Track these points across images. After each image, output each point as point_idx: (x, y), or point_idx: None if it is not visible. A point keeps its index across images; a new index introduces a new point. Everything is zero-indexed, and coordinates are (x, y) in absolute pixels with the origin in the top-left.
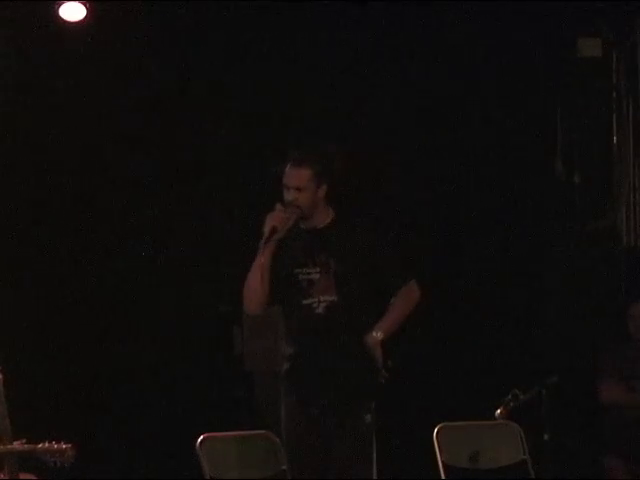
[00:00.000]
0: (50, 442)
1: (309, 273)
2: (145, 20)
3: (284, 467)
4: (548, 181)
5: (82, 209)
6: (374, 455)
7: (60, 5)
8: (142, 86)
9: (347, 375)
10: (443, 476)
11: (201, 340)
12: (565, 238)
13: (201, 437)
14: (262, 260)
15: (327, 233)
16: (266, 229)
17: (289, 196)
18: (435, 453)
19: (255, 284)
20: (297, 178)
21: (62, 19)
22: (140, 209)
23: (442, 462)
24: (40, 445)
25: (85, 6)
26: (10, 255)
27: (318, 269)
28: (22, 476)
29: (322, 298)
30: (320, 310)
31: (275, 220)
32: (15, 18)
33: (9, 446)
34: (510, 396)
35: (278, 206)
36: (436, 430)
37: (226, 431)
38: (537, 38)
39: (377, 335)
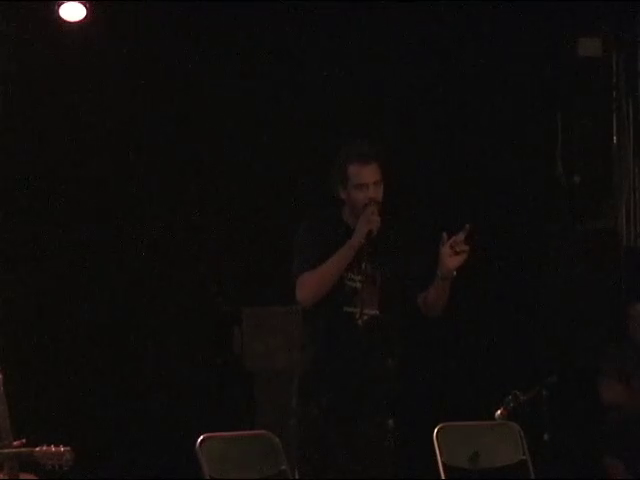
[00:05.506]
0: (48, 445)
1: (353, 280)
2: (145, 20)
3: (284, 467)
4: (548, 181)
5: (82, 208)
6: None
7: (60, 5)
8: (142, 86)
9: (376, 386)
10: (443, 476)
11: (201, 340)
12: (565, 238)
13: (201, 437)
14: (343, 263)
15: (378, 241)
16: (362, 232)
17: (370, 194)
18: (435, 453)
19: (329, 280)
20: (372, 173)
21: (62, 19)
22: (140, 208)
23: (442, 462)
24: (38, 448)
25: (85, 6)
26: (10, 255)
27: (361, 278)
28: (22, 476)
29: (365, 310)
30: (362, 322)
31: (372, 224)
32: (15, 18)
33: (8, 447)
34: (510, 396)
35: (371, 208)
36: (436, 430)
37: (226, 431)
38: (537, 38)
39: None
